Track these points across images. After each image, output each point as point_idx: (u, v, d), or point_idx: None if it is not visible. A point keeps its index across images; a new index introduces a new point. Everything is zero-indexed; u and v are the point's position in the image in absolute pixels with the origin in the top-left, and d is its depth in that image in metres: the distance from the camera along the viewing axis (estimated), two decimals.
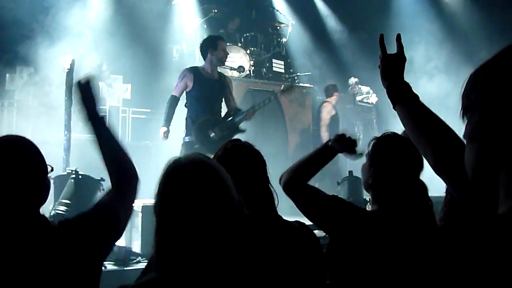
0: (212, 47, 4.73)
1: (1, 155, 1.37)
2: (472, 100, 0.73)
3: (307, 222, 1.84)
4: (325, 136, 7.19)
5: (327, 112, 7.58)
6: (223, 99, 5.10)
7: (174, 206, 1.13)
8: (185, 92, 4.91)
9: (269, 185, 1.78)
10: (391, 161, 1.73)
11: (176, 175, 1.17)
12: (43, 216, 1.46)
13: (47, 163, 1.47)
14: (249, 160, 1.75)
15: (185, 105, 4.96)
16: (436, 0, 9.25)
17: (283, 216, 1.78)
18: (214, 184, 1.15)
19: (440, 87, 7.65)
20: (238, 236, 1.15)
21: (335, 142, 1.92)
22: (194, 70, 4.88)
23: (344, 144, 1.92)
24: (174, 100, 4.90)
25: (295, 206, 1.89)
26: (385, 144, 1.78)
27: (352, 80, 8.56)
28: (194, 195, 1.13)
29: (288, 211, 2.03)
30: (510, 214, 0.65)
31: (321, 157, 1.96)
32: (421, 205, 1.72)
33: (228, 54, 4.76)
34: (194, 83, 4.78)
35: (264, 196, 1.74)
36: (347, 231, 1.68)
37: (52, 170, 1.52)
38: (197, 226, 1.11)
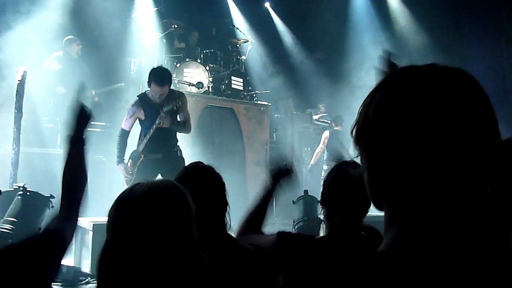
0: (148, 82, 4.49)
1: None
2: (363, 128, 0.74)
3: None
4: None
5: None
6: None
7: (125, 231, 1.11)
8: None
9: (227, 207, 1.78)
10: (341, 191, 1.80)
11: (131, 199, 1.15)
12: None
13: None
14: (208, 183, 1.74)
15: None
16: (388, 22, 9.63)
17: None
18: (169, 215, 1.13)
19: None
20: (186, 266, 1.14)
21: (274, 180, 1.94)
22: (142, 103, 4.60)
23: (281, 178, 1.93)
24: (125, 134, 4.67)
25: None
26: (332, 172, 1.87)
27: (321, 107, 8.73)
28: (147, 223, 1.11)
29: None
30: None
31: (268, 200, 1.98)
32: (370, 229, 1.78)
33: (162, 94, 4.43)
34: (145, 115, 4.56)
35: (221, 220, 1.74)
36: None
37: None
38: (146, 254, 1.10)
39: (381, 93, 0.72)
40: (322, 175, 7.54)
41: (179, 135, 6.35)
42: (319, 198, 5.00)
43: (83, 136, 1.70)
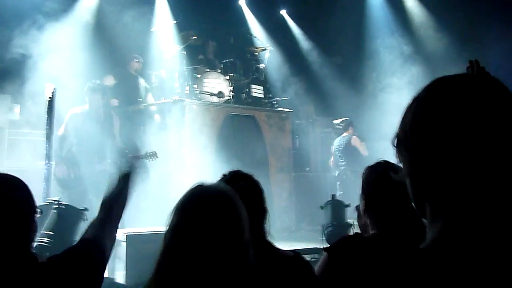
0: None
1: None
2: (403, 137, 0.81)
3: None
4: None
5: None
6: None
7: (186, 237, 1.14)
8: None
9: (267, 214, 1.80)
10: (381, 188, 1.80)
11: (195, 202, 1.19)
12: (33, 254, 1.43)
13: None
14: (246, 186, 1.76)
15: None
16: (406, 21, 9.60)
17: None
18: (230, 220, 1.17)
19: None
20: (244, 275, 1.17)
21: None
22: None
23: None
24: None
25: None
26: (374, 172, 1.86)
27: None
28: (208, 227, 1.14)
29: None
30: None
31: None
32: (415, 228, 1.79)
33: None
34: None
35: (260, 227, 1.76)
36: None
37: (41, 212, 1.52)
38: (203, 259, 1.12)
39: (424, 101, 0.80)
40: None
41: (202, 146, 6.51)
42: (346, 203, 4.99)
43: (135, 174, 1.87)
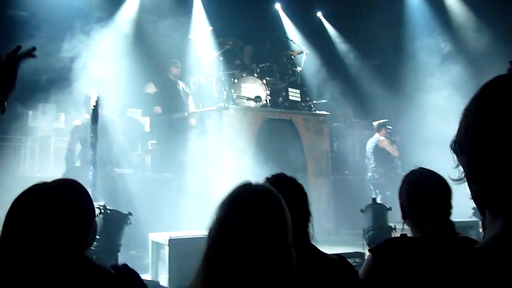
0: None
1: (48, 200, 1.37)
2: (460, 141, 0.81)
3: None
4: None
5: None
6: None
7: (233, 229, 1.15)
8: None
9: (310, 218, 1.80)
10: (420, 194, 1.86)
11: (241, 199, 1.20)
12: (88, 258, 1.46)
13: (95, 205, 1.48)
14: (289, 191, 1.74)
15: None
16: (446, 20, 9.36)
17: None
18: (277, 219, 1.18)
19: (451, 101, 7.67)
20: (286, 275, 1.17)
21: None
22: None
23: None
24: None
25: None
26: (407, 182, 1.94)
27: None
28: (254, 223, 1.15)
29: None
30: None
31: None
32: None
33: None
34: None
35: (304, 230, 1.77)
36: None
37: (100, 212, 1.54)
38: (248, 255, 1.12)
39: (485, 105, 0.79)
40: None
41: (240, 151, 6.57)
42: (387, 206, 4.89)
43: None
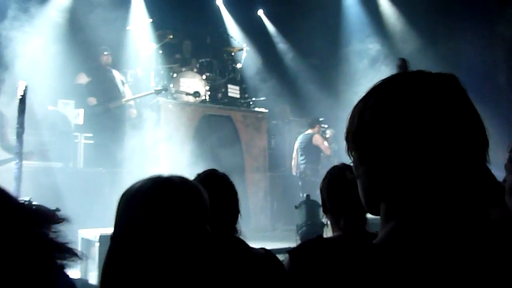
0: None
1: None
2: (351, 138, 0.80)
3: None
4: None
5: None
6: None
7: (128, 224, 1.11)
8: None
9: (239, 216, 1.82)
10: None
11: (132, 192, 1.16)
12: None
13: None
14: (218, 192, 1.76)
15: None
16: (380, 24, 9.76)
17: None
18: (191, 203, 1.16)
19: None
20: (201, 264, 1.14)
21: None
22: None
23: None
24: None
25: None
26: (329, 175, 1.96)
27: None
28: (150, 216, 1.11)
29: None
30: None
31: None
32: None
33: None
34: None
35: (232, 227, 1.79)
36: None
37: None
38: (158, 252, 1.09)
39: (374, 99, 0.78)
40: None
41: (178, 146, 6.50)
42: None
43: None
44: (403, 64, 1.36)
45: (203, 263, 1.14)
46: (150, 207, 1.12)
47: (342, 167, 1.94)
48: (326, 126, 8.64)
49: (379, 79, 0.81)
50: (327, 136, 8.37)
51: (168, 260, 1.09)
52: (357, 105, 0.82)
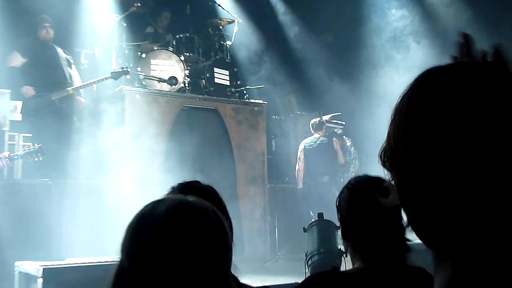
0: None
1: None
2: (390, 152, 0.79)
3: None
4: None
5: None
6: None
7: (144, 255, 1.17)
8: None
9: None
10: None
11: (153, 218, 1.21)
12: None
13: None
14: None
15: None
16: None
17: None
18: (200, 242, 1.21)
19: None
20: None
21: None
22: None
23: None
24: None
25: None
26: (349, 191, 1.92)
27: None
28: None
29: None
30: None
31: None
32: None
33: None
34: None
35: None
36: None
37: None
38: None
39: (422, 111, 0.75)
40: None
41: (148, 149, 6.45)
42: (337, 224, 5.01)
43: None
44: (465, 42, 1.23)
45: None
46: (184, 240, 1.19)
47: (366, 178, 1.90)
48: (343, 123, 8.62)
49: (419, 68, 0.78)
50: (347, 143, 8.41)
51: None
52: (395, 112, 0.79)
